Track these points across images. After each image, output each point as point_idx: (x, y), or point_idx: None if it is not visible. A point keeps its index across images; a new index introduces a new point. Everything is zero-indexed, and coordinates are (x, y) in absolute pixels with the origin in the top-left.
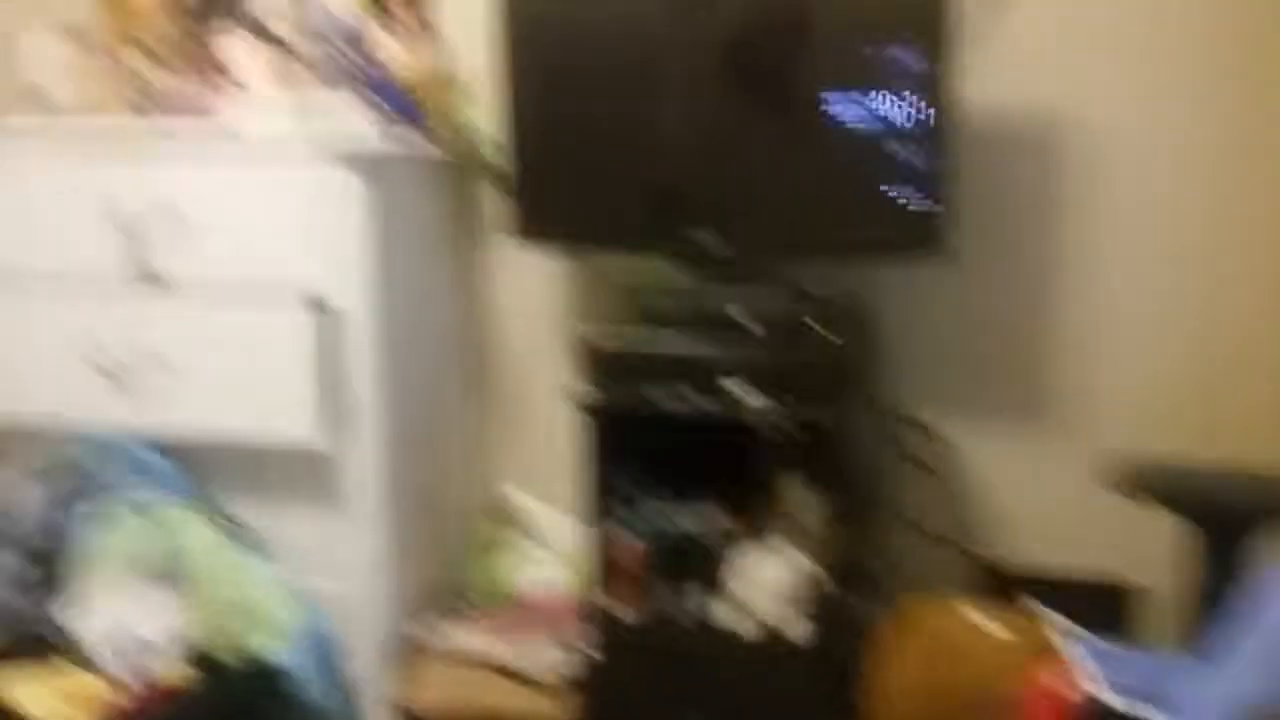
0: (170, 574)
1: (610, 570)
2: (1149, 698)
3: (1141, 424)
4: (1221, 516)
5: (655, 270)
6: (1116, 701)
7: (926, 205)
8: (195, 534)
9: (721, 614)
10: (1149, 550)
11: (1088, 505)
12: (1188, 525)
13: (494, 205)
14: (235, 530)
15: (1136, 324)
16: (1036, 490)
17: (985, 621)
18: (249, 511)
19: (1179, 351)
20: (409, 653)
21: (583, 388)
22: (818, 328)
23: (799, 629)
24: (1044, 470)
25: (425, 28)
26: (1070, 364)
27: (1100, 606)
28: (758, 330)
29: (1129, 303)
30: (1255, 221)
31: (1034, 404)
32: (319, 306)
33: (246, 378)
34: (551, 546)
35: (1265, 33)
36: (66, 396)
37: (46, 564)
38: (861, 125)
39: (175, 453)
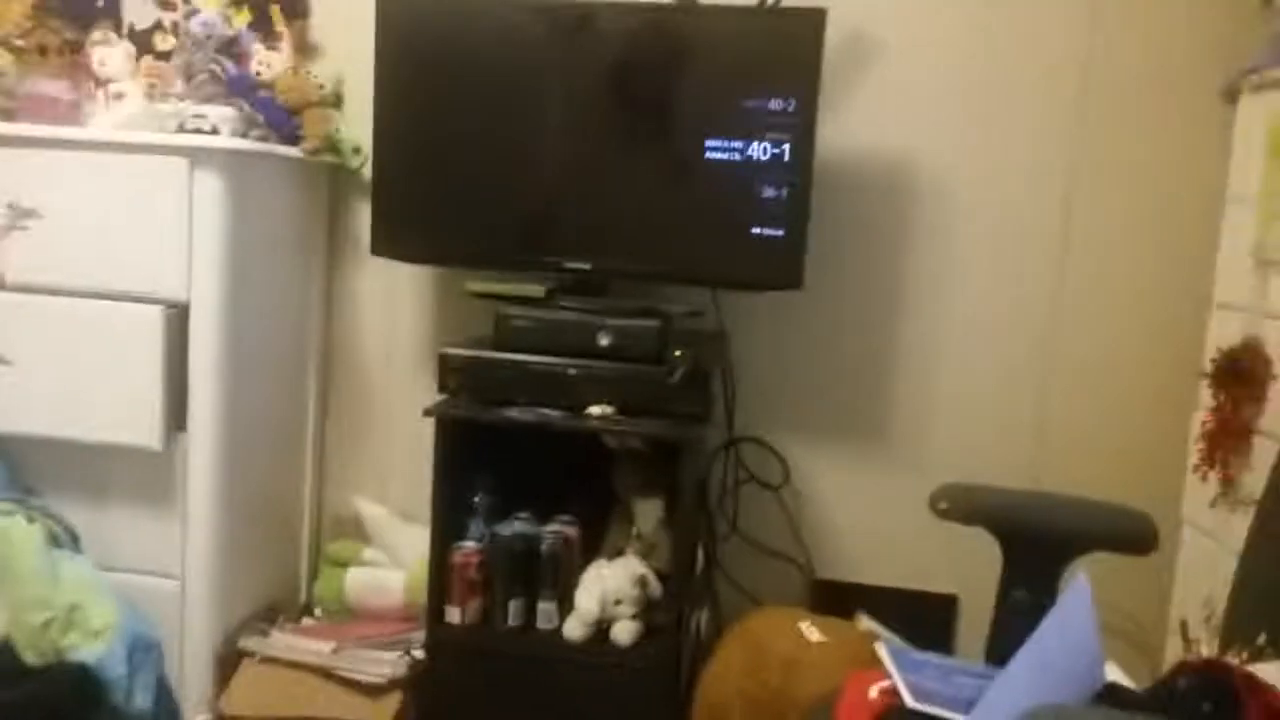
0: None
1: (449, 577)
2: (950, 702)
3: (975, 453)
4: (1033, 538)
5: (514, 283)
6: (917, 705)
7: (786, 242)
8: (10, 531)
9: (556, 620)
10: (974, 568)
11: (921, 526)
12: (1003, 545)
13: (357, 215)
14: (57, 529)
15: (974, 359)
16: (874, 510)
17: (811, 631)
18: (79, 509)
19: (1014, 387)
20: (235, 659)
21: (437, 399)
22: (668, 346)
23: (631, 635)
24: (881, 492)
25: (304, 42)
26: (909, 393)
27: (928, 619)
28: (609, 346)
29: (968, 338)
30: (1093, 268)
31: (873, 429)
32: (168, 305)
33: (90, 376)
34: (397, 556)
35: (1104, 88)
36: None
37: None
38: (729, 163)
39: (4, 447)
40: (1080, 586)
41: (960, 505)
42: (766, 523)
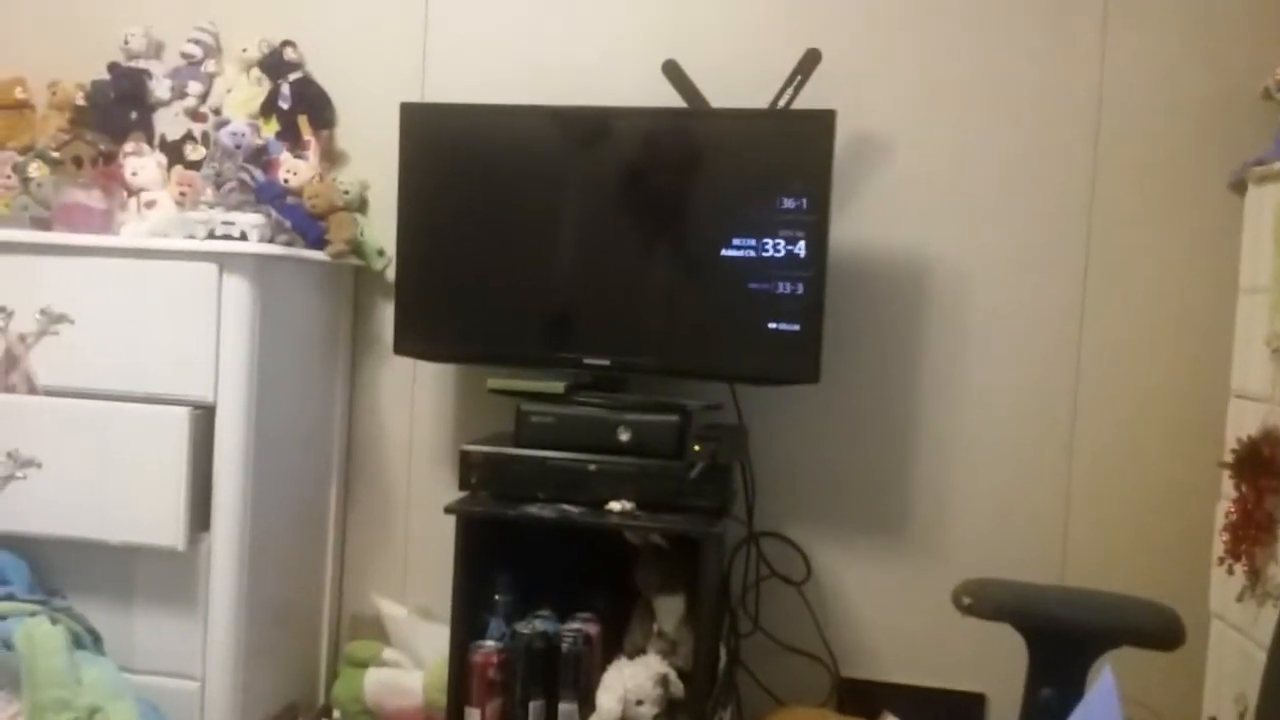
0: (2, 673)
1: (469, 677)
2: None
3: (997, 546)
4: (1059, 634)
5: (534, 380)
6: None
7: (802, 336)
8: (33, 632)
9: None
10: (1001, 665)
11: (946, 622)
12: (1028, 642)
13: (380, 315)
14: (80, 630)
15: (994, 452)
16: (898, 605)
17: None
18: (102, 610)
19: (1035, 480)
20: None
21: (458, 496)
22: (688, 441)
23: None
24: (904, 587)
25: (330, 150)
26: (930, 488)
27: (955, 717)
28: (629, 441)
29: (987, 432)
30: (1110, 360)
31: (894, 523)
32: (195, 406)
33: (117, 478)
34: (417, 656)
35: (1114, 182)
36: None
37: None
38: (745, 260)
39: (27, 548)
40: (1107, 683)
41: (984, 601)
42: (789, 619)
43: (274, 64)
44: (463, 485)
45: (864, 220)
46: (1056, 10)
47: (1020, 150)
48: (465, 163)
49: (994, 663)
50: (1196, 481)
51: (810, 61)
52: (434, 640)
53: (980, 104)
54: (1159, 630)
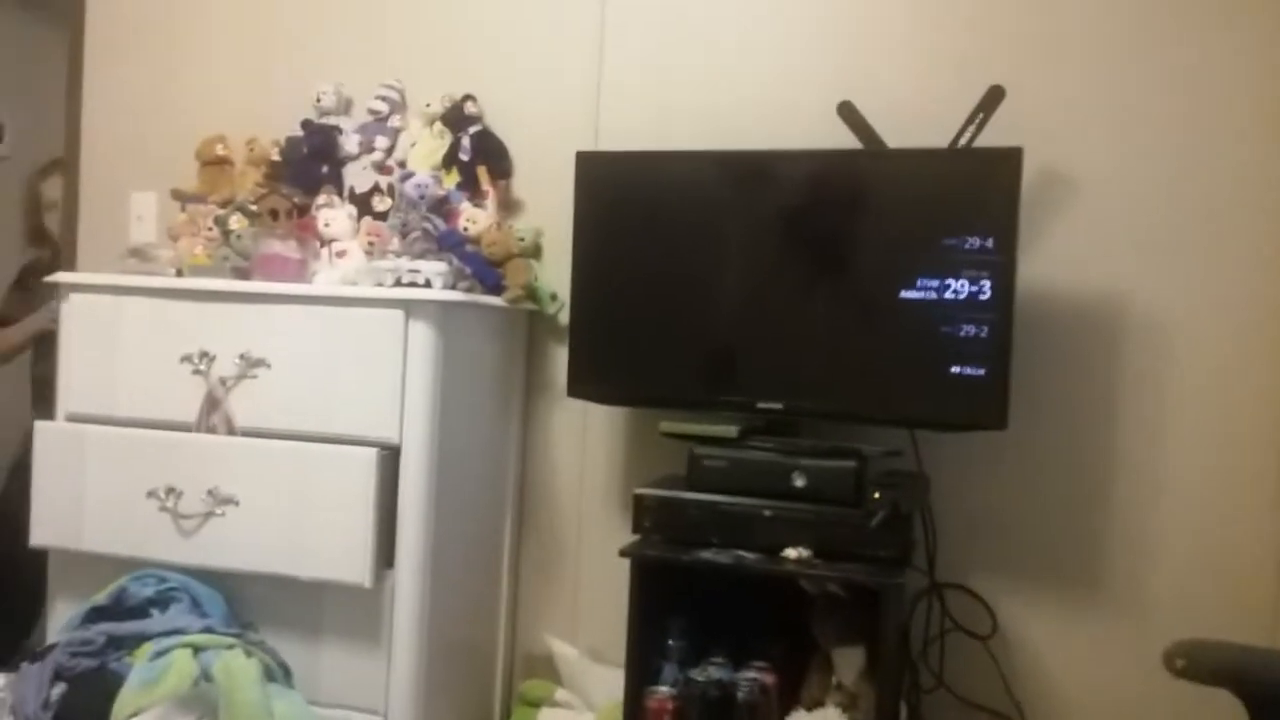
0: (201, 703)
1: None
2: None
3: (1200, 605)
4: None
5: (706, 423)
6: None
7: (988, 381)
8: (230, 665)
9: None
10: None
11: (1142, 684)
12: (1250, 709)
13: (553, 359)
14: (272, 663)
15: (1195, 505)
16: (1090, 664)
17: None
18: (290, 644)
19: (1241, 533)
20: None
21: (629, 539)
22: (866, 488)
23: None
24: (1098, 643)
25: (508, 199)
26: (1126, 539)
27: None
28: (804, 487)
29: (1188, 482)
30: None
31: (1087, 577)
32: (382, 447)
33: (308, 516)
34: (588, 698)
35: None
36: (128, 531)
37: (88, 691)
38: (925, 302)
39: (224, 582)
40: None
41: (1201, 664)
42: (974, 675)
43: (455, 118)
44: (635, 529)
45: (1051, 259)
46: (1264, 34)
47: (1221, 183)
48: (638, 208)
49: None
50: None
51: (993, 98)
52: (604, 682)
53: (1176, 136)
54: None
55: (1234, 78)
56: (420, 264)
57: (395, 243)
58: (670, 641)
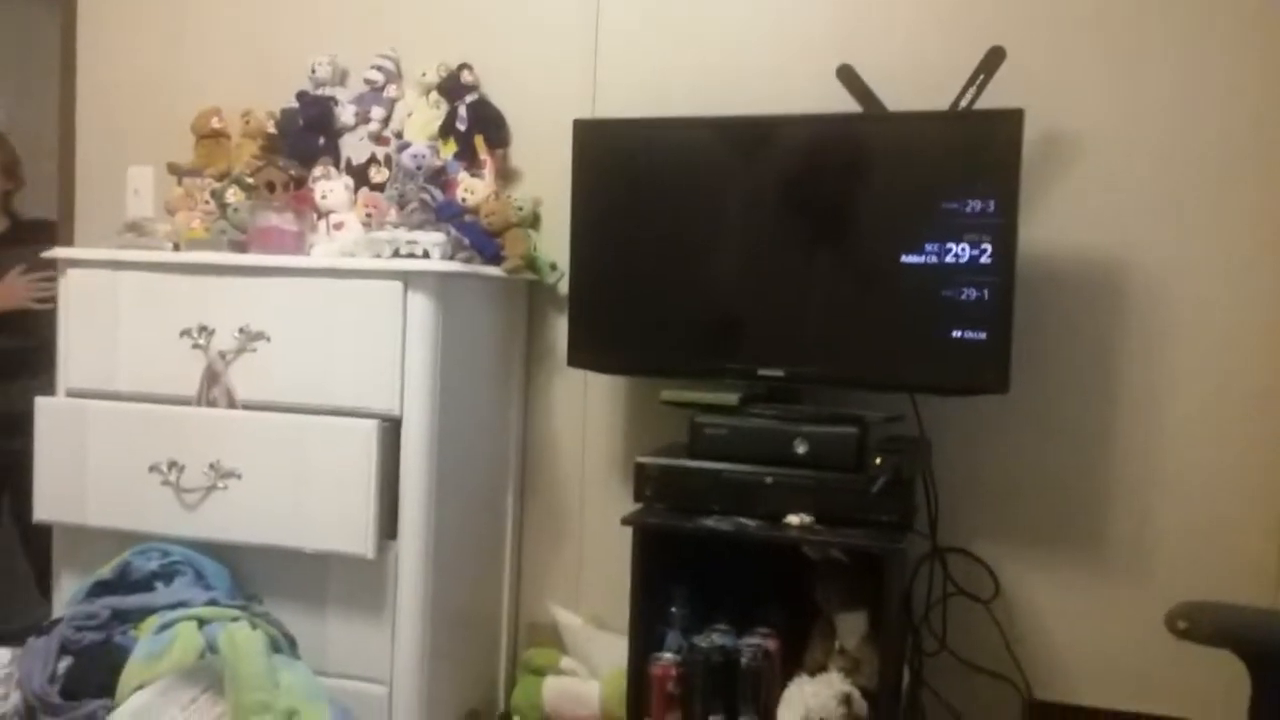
0: (207, 675)
1: (647, 690)
2: None
3: (1201, 566)
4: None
5: (707, 391)
6: None
7: (989, 344)
8: (235, 636)
9: None
10: (1207, 691)
11: (1144, 645)
12: (1252, 670)
13: (553, 328)
14: (277, 635)
15: (1196, 466)
16: (1092, 626)
17: None
18: (295, 616)
19: (1243, 495)
20: None
21: (631, 507)
22: (867, 453)
23: None
24: (1100, 605)
25: (505, 168)
26: (1128, 502)
27: None
28: (806, 454)
29: (1189, 444)
30: None
31: (1089, 539)
32: (382, 419)
33: (310, 488)
34: (592, 665)
35: None
36: (131, 505)
37: (94, 665)
38: (926, 266)
39: (228, 555)
40: None
41: (1203, 626)
42: (977, 638)
43: (451, 87)
44: (637, 497)
45: (1052, 222)
46: None
47: (1224, 144)
48: (637, 176)
49: (1199, 685)
50: None
51: (994, 59)
52: (608, 650)
53: (1177, 98)
54: None
55: (1236, 39)
56: (418, 235)
57: (393, 214)
58: (673, 608)
